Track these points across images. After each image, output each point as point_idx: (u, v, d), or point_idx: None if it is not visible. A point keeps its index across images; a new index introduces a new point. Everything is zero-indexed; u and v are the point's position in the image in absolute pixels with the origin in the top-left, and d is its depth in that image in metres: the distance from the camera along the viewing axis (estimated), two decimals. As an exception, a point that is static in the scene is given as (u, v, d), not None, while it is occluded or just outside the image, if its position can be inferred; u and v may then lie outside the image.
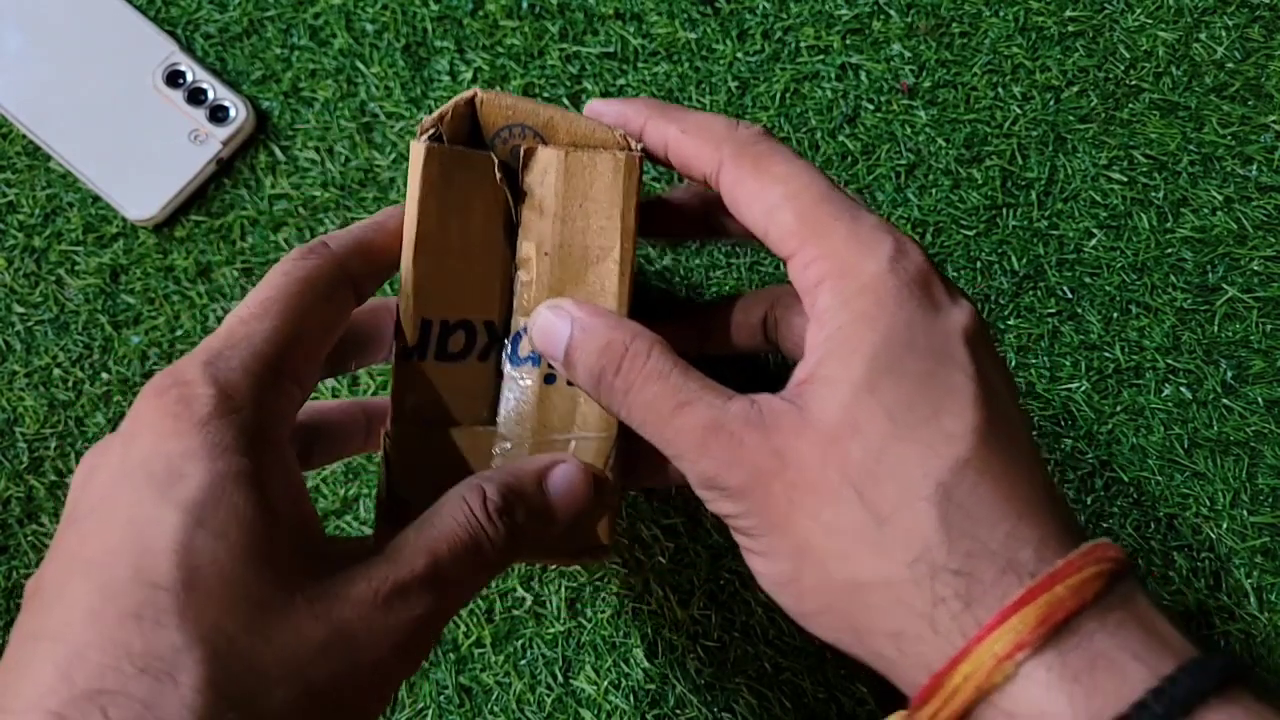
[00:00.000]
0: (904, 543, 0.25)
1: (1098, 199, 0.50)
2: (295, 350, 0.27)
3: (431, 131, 0.31)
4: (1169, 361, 0.49)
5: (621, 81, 0.52)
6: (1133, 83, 0.52)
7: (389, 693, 0.27)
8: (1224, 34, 0.52)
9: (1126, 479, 0.48)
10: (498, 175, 0.32)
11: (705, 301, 0.40)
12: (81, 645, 0.22)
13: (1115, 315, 0.49)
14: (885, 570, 0.25)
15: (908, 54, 0.52)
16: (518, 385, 0.32)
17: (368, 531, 0.47)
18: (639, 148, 0.31)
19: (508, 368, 0.32)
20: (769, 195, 0.29)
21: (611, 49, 0.52)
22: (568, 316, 0.30)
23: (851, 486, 0.26)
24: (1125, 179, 0.51)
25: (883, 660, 0.26)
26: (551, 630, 0.46)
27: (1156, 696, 0.23)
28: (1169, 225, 0.50)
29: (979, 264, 0.50)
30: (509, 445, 0.32)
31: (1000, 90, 0.52)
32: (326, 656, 0.24)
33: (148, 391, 0.26)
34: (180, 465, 0.23)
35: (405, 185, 0.50)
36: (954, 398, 0.26)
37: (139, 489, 0.23)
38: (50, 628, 0.22)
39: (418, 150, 0.30)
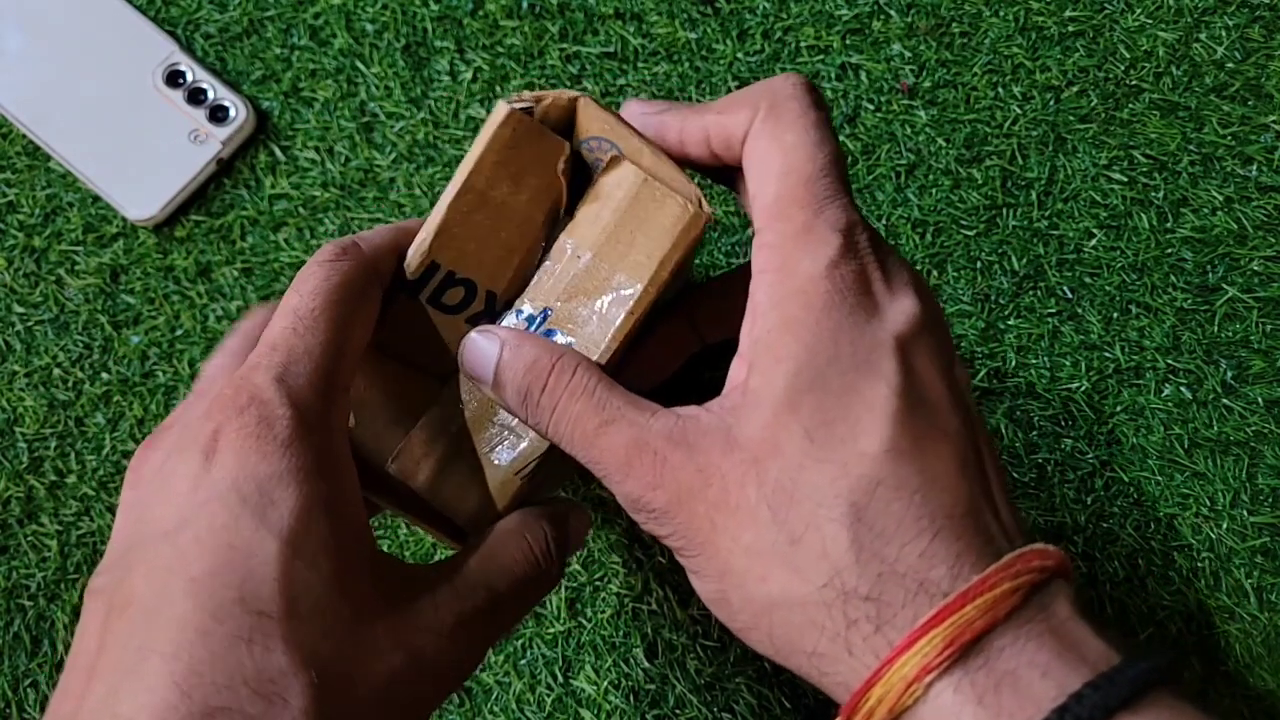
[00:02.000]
0: (815, 565, 0.25)
1: (1098, 199, 0.50)
2: (344, 360, 0.28)
3: (524, 105, 0.31)
4: (1169, 361, 0.49)
5: (621, 81, 0.52)
6: (1133, 83, 0.52)
7: (435, 709, 0.28)
8: (1224, 34, 0.52)
9: (1126, 479, 0.48)
10: (561, 165, 0.31)
11: (693, 286, 0.39)
12: (196, 663, 0.23)
13: (1115, 315, 0.49)
14: (798, 592, 0.25)
15: (908, 54, 0.52)
16: None
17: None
18: (709, 211, 0.31)
19: None
20: (768, 164, 0.28)
21: (611, 49, 0.52)
22: (497, 339, 0.30)
23: (767, 507, 0.26)
24: (1125, 179, 0.51)
25: (809, 678, 0.26)
26: (551, 630, 0.46)
27: (1061, 715, 0.23)
28: (1169, 225, 0.50)
29: (979, 264, 0.50)
30: (446, 408, 0.32)
31: (1000, 90, 0.52)
32: (406, 681, 0.25)
33: (226, 406, 0.26)
34: (271, 490, 0.24)
35: (406, 185, 0.51)
36: (873, 414, 0.26)
37: (233, 511, 0.24)
38: (161, 643, 0.23)
39: (501, 109, 0.30)
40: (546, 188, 0.32)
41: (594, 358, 0.31)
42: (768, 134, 0.29)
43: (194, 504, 0.25)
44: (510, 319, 0.32)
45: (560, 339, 0.31)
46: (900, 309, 0.27)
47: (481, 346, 0.30)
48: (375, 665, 0.25)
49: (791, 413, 0.26)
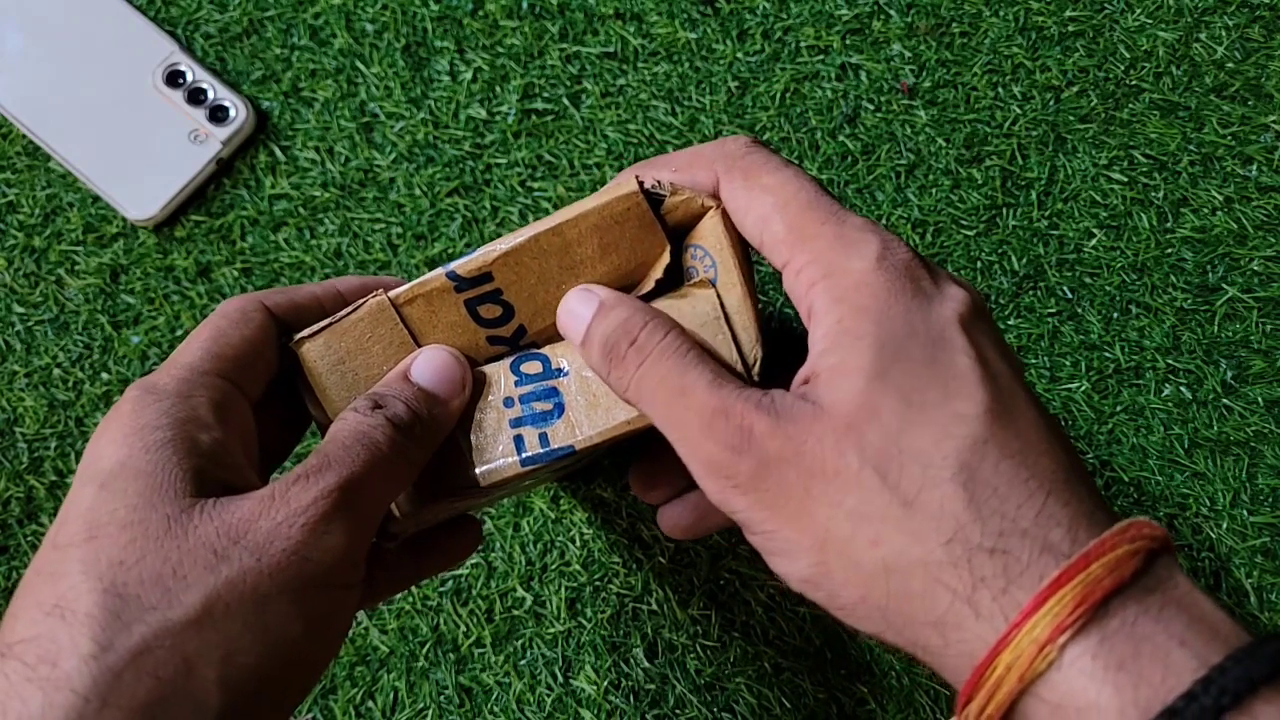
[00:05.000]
0: (935, 524, 0.25)
1: (1098, 199, 0.50)
2: (212, 358, 0.30)
3: (657, 191, 0.31)
4: (1169, 361, 0.49)
5: (621, 81, 0.52)
6: (1133, 83, 0.52)
7: (319, 614, 0.27)
8: (1224, 34, 0.52)
9: (1126, 479, 0.48)
10: (660, 273, 0.32)
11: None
12: (11, 608, 0.26)
13: (1115, 315, 0.49)
14: (920, 552, 0.25)
15: (908, 54, 0.52)
16: (488, 379, 0.33)
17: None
18: (757, 377, 0.31)
19: (506, 362, 0.33)
20: (759, 207, 0.29)
21: (611, 49, 0.52)
22: (595, 297, 0.31)
23: (873, 470, 0.25)
24: (1125, 179, 0.51)
25: (927, 652, 0.26)
26: (551, 630, 0.46)
27: (1205, 687, 0.22)
28: (1169, 225, 0.50)
29: (979, 264, 0.50)
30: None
31: (1000, 90, 0.52)
32: (225, 556, 0.26)
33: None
34: (102, 449, 0.28)
35: (405, 185, 0.51)
36: (961, 381, 0.26)
37: (81, 481, 0.28)
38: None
39: (630, 184, 0.31)
40: (628, 271, 0.32)
41: (573, 439, 0.31)
42: (740, 186, 0.30)
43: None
44: (529, 360, 0.33)
45: (556, 399, 0.32)
46: (952, 294, 0.28)
47: (579, 302, 0.31)
48: (182, 548, 0.26)
49: (883, 379, 0.26)
